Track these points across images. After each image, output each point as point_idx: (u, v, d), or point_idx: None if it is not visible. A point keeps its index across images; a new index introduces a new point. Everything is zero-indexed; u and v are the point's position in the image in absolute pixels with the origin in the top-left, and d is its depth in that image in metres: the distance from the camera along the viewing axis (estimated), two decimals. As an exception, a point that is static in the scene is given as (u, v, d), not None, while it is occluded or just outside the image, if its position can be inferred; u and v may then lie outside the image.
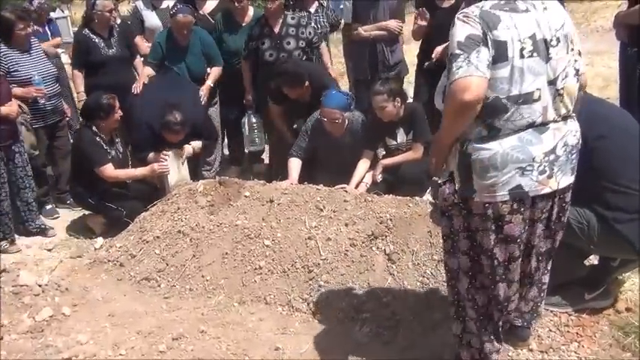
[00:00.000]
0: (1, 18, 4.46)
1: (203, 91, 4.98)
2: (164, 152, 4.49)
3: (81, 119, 4.45)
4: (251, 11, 5.23)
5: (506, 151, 2.11)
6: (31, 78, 4.50)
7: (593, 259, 3.13)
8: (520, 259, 2.28)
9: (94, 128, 4.30)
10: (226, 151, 5.79)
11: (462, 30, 2.06)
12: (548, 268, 2.49)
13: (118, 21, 5.36)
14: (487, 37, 2.03)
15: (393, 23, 5.03)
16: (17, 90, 4.41)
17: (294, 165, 4.43)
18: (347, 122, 4.33)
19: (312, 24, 5.19)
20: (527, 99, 2.08)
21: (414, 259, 3.26)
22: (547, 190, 2.18)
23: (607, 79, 7.21)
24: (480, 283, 2.33)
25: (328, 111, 4.27)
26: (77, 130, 4.53)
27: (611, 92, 5.73)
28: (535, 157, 2.12)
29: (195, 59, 5.03)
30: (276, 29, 4.90)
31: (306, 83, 4.54)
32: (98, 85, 4.81)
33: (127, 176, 4.46)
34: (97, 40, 4.93)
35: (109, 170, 4.27)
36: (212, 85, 5.07)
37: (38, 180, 4.65)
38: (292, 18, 4.97)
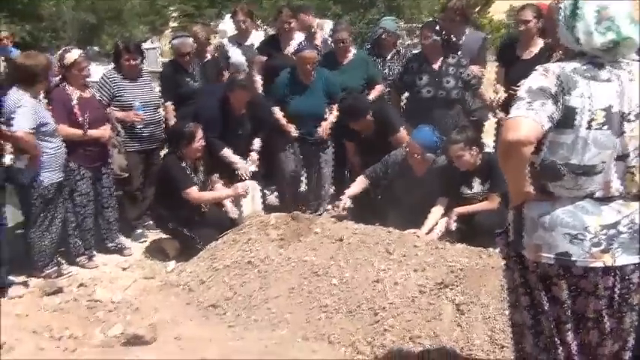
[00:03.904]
0: (115, 46, 5.07)
1: (323, 126, 4.98)
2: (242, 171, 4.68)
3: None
4: (352, 51, 5.27)
5: (556, 213, 2.07)
6: (132, 103, 4.78)
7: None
8: (569, 325, 2.13)
9: (178, 154, 4.48)
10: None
11: (537, 80, 2.04)
12: (628, 345, 2.21)
13: (208, 56, 5.60)
14: (558, 98, 1.99)
15: (474, 69, 5.01)
16: (118, 113, 4.71)
17: (359, 182, 4.56)
18: (430, 163, 4.34)
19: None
20: (587, 171, 2.02)
21: (484, 313, 3.16)
22: (599, 264, 2.06)
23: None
24: (543, 343, 2.21)
25: (411, 143, 4.36)
26: (164, 155, 4.74)
27: None
28: (588, 227, 2.04)
29: (317, 98, 5.01)
30: (436, 66, 4.85)
31: (368, 116, 4.68)
32: (185, 115, 5.05)
33: (212, 198, 4.58)
34: (181, 75, 5.18)
35: (195, 192, 4.39)
36: (334, 120, 5.03)
37: (132, 203, 4.90)
38: (453, 57, 4.87)
